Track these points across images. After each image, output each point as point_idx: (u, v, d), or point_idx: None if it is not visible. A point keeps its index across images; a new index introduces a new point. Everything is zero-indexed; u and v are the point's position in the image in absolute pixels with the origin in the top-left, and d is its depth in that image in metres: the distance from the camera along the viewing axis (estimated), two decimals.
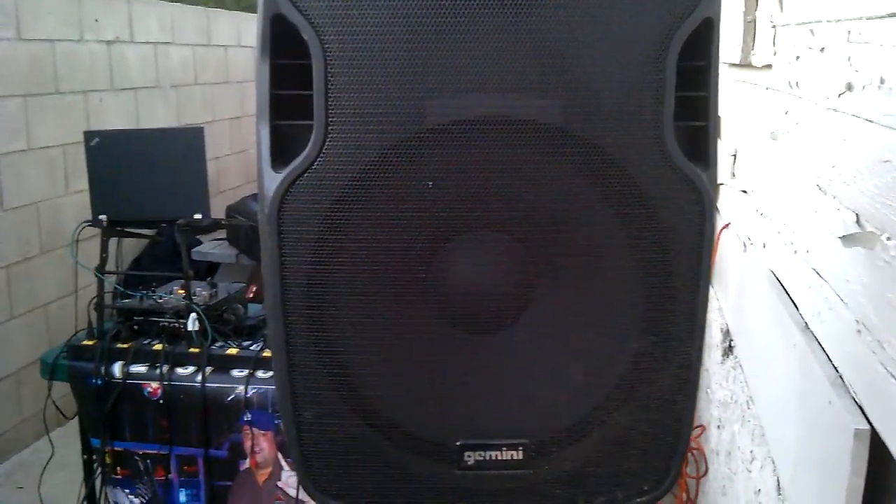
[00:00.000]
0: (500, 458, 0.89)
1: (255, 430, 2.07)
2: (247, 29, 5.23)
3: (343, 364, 0.87)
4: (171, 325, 2.23)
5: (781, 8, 1.94)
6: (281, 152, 0.82)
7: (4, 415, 3.25)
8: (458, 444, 0.88)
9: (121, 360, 2.14)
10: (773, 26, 2.00)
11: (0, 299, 3.19)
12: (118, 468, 2.20)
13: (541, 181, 0.83)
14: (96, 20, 3.72)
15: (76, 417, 3.56)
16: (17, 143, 3.23)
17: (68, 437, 3.50)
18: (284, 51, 0.81)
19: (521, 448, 0.88)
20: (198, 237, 3.87)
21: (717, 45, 0.86)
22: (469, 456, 0.88)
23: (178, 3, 4.52)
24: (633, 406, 0.89)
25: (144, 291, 2.33)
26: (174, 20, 4.39)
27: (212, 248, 3.86)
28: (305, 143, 0.80)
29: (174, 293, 2.36)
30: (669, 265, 0.87)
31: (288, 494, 2.10)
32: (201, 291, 2.36)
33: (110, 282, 2.35)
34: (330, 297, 0.85)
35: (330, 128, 0.79)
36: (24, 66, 3.26)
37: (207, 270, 3.81)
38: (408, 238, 0.83)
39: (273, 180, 0.81)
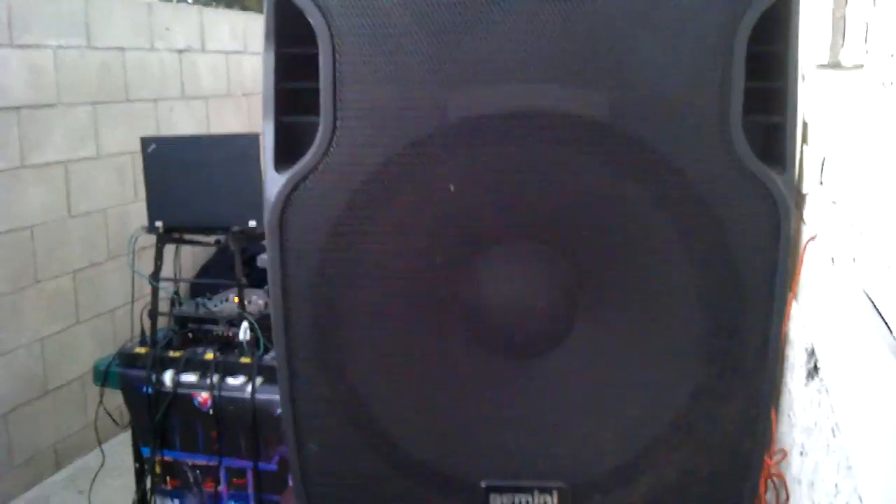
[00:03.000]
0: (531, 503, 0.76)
1: None
2: None
3: (354, 391, 0.77)
4: (224, 333, 2.18)
5: (874, 2, 1.77)
6: (287, 152, 0.73)
7: (69, 419, 3.27)
8: (483, 485, 0.75)
9: (172, 369, 2.09)
10: (866, 23, 1.83)
11: (67, 304, 3.21)
12: (168, 478, 2.16)
13: (584, 184, 0.72)
14: (167, 29, 3.74)
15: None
16: (86, 150, 3.26)
17: (126, 444, 3.51)
18: (291, 39, 0.72)
19: (555, 492, 0.75)
20: (264, 244, 3.85)
21: (796, 28, 0.72)
22: (495, 500, 0.76)
23: (250, 12, 4.53)
24: (691, 447, 0.75)
25: (200, 299, 2.29)
26: (246, 29, 4.40)
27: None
28: (304, 142, 0.71)
29: (230, 301, 2.31)
30: (737, 283, 0.74)
31: None
32: (257, 300, 2.31)
33: (166, 289, 2.32)
34: (338, 317, 0.75)
35: (338, 124, 0.69)
36: (94, 73, 3.28)
37: None
38: (428, 250, 0.72)
39: (275, 183, 0.71)
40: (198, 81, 3.96)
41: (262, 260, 3.82)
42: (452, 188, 0.71)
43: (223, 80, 4.19)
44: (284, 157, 0.74)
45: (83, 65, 3.20)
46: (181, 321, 2.24)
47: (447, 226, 0.73)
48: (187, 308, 2.26)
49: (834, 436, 1.82)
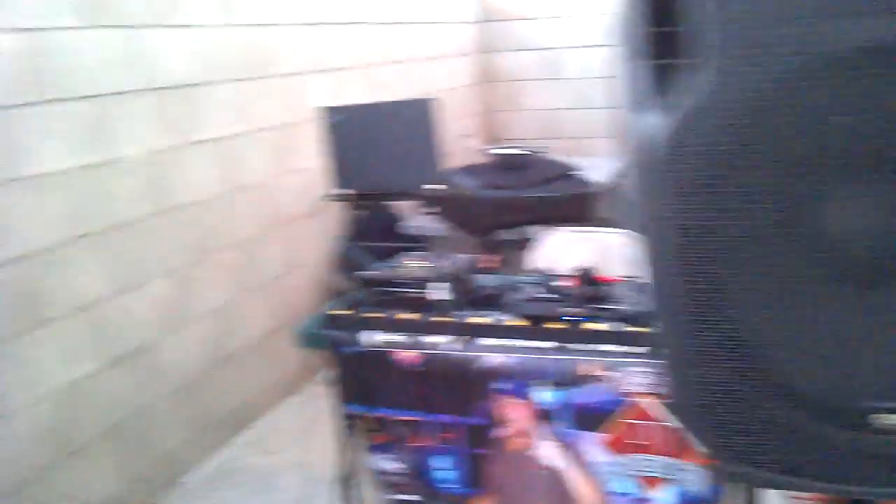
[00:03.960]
0: None
1: (509, 398, 2.07)
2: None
3: (732, 323, 0.81)
4: (417, 294, 2.26)
5: None
6: (658, 91, 0.77)
7: (248, 382, 3.44)
8: (864, 406, 0.78)
9: (373, 329, 2.18)
10: None
11: (236, 274, 3.36)
12: (375, 434, 2.26)
13: None
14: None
15: (316, 384, 3.72)
16: (240, 126, 3.38)
17: (305, 404, 3.67)
18: None
19: None
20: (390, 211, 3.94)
21: None
22: (875, 419, 0.78)
23: None
24: None
25: (387, 263, 2.37)
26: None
27: (422, 221, 3.92)
28: (681, 82, 0.74)
29: (404, 264, 2.39)
30: None
31: (544, 464, 2.08)
32: (438, 262, 2.38)
33: (351, 253, 2.41)
34: (714, 250, 0.79)
35: (713, 63, 0.73)
36: (243, 51, 3.38)
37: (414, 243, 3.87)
38: (799, 182, 0.75)
39: (651, 122, 0.75)
40: (325, 55, 4.03)
41: (410, 226, 3.93)
42: (839, 117, 0.73)
43: (346, 53, 4.24)
44: (655, 96, 0.77)
45: (233, 42, 3.31)
46: (372, 283, 2.32)
47: (821, 158, 0.75)
48: (378, 271, 2.34)
49: None
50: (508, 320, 2.09)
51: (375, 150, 2.31)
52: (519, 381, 2.04)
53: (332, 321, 2.25)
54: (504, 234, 3.42)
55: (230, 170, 3.31)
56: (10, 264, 2.35)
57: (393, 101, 3.45)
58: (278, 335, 3.66)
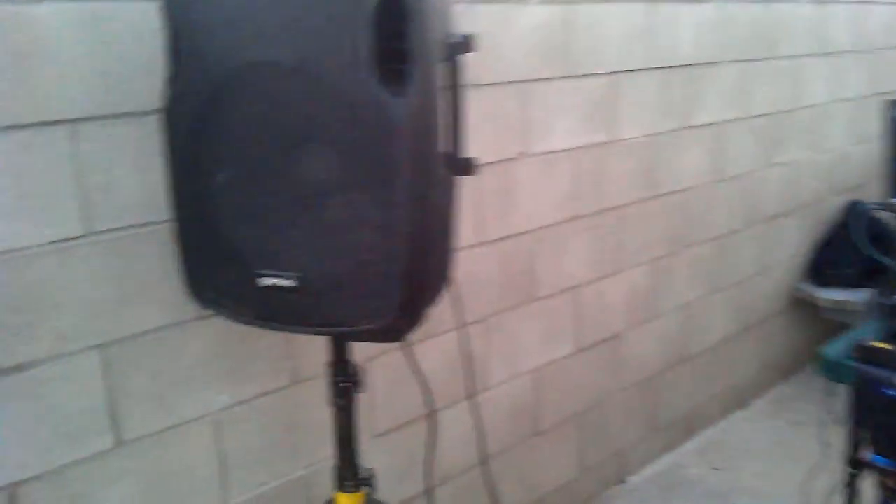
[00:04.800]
0: None
1: None
2: None
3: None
4: None
5: None
6: None
7: (701, 388, 3.21)
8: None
9: None
10: None
11: (707, 272, 3.12)
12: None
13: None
14: None
15: (766, 402, 3.39)
16: (734, 111, 3.10)
17: (754, 421, 3.36)
18: None
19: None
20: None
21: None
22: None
23: None
24: None
25: None
26: None
27: None
28: None
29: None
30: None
31: None
32: None
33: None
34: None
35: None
36: (746, 29, 3.08)
37: None
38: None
39: None
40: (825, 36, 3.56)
41: None
42: None
43: (850, 35, 3.72)
44: None
45: (738, 20, 3.02)
46: None
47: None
48: None
49: None
50: None
51: None
52: None
53: (868, 354, 1.91)
54: None
55: (717, 158, 3.06)
56: (511, 238, 2.35)
57: None
58: (736, 341, 3.36)
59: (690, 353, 3.12)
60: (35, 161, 1.44)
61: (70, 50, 1.46)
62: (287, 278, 1.25)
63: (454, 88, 1.30)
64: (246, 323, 1.33)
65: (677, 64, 2.80)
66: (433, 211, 1.26)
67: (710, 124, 2.99)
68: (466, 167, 1.34)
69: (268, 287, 1.26)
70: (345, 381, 1.53)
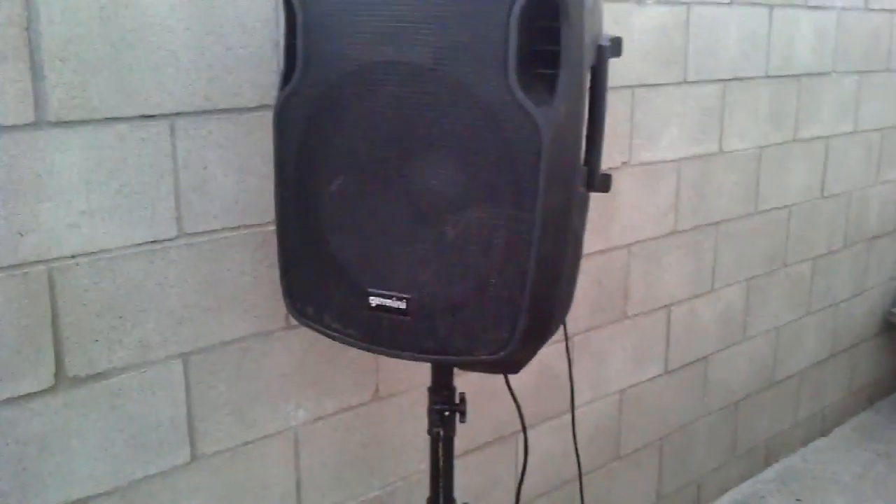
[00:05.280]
0: None
1: None
2: None
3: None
4: None
5: None
6: None
7: (784, 414, 3.04)
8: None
9: None
10: None
11: (803, 293, 2.94)
12: None
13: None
14: None
15: (848, 430, 3.22)
16: (846, 125, 2.90)
17: (838, 451, 3.18)
18: None
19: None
20: None
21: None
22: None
23: None
24: None
25: None
26: None
27: None
28: None
29: None
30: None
31: None
32: None
33: None
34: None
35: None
36: (865, 39, 2.87)
37: None
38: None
39: None
40: None
41: None
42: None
43: None
44: None
45: (857, 29, 2.81)
46: None
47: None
48: None
49: None
50: None
51: None
52: None
53: None
54: None
55: (824, 173, 2.87)
56: (606, 252, 2.20)
57: None
58: (824, 366, 3.18)
59: (777, 377, 2.95)
60: (131, 156, 1.34)
61: (175, 39, 1.34)
62: (398, 299, 1.13)
63: (598, 97, 1.16)
64: (349, 344, 1.21)
65: (792, 73, 2.61)
66: (568, 231, 1.11)
67: (820, 138, 2.80)
68: (602, 184, 1.20)
69: (376, 307, 1.15)
70: (447, 409, 1.41)
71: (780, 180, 2.69)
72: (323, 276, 1.17)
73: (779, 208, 2.72)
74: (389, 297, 1.13)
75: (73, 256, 1.30)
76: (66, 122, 1.26)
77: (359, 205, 1.12)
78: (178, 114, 1.37)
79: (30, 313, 1.27)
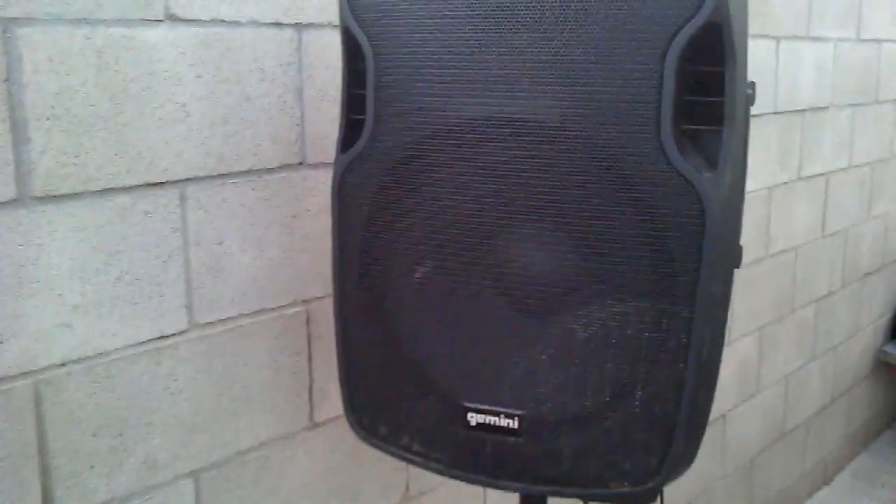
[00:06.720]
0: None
1: None
2: None
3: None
4: None
5: None
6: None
7: (791, 466, 2.88)
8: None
9: None
10: None
11: (807, 337, 2.80)
12: None
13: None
14: None
15: (848, 477, 3.07)
16: (841, 161, 2.79)
17: (838, 500, 3.03)
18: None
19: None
20: None
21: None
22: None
23: None
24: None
25: None
26: None
27: None
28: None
29: None
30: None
31: None
32: None
33: None
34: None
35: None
36: (857, 71, 2.79)
37: None
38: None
39: None
40: None
41: None
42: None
43: None
44: None
45: (850, 61, 2.72)
46: None
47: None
48: None
49: None
50: None
51: None
52: None
53: None
54: None
55: (822, 212, 2.75)
56: None
57: None
58: (826, 413, 3.05)
59: (787, 428, 2.80)
60: (134, 235, 1.07)
61: (185, 89, 1.09)
62: (508, 416, 0.89)
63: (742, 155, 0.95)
64: (435, 472, 0.96)
65: (796, 108, 2.49)
66: (722, 324, 0.90)
67: (821, 174, 2.68)
68: (738, 259, 0.99)
69: (477, 426, 0.91)
70: None
71: (787, 221, 2.55)
72: (401, 386, 0.93)
73: (786, 251, 2.58)
74: (496, 415, 0.89)
75: (63, 364, 1.03)
76: (55, 197, 0.99)
77: (449, 297, 0.88)
78: (188, 179, 1.11)
79: (11, 439, 0.99)
